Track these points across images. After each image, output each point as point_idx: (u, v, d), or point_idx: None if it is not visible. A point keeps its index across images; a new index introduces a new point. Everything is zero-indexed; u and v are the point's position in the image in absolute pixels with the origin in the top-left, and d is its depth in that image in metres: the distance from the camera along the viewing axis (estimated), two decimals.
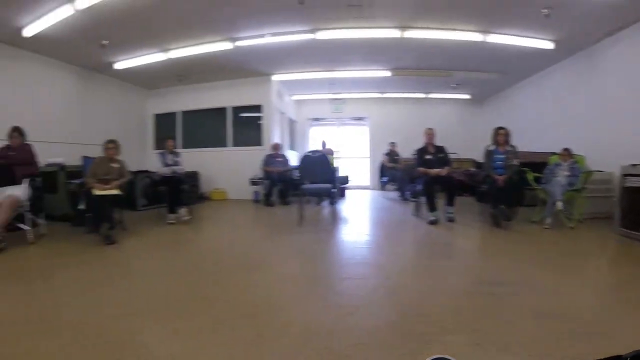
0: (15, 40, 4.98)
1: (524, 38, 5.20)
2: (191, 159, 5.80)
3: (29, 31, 4.70)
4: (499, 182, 4.11)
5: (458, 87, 8.05)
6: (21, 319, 1.85)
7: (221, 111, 8.10)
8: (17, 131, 3.91)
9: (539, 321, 1.66)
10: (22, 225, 3.72)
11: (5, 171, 3.65)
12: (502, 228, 3.97)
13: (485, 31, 5.05)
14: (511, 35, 5.14)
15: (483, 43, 5.27)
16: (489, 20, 4.70)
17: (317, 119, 10.47)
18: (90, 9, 4.11)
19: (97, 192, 3.74)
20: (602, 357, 1.21)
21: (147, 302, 2.06)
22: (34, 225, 3.81)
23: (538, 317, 1.70)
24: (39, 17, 4.38)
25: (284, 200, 6.83)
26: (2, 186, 3.57)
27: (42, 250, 3.49)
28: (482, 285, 2.13)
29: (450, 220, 4.39)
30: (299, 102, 10.13)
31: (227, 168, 7.93)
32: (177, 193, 4.92)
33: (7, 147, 3.84)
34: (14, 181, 3.63)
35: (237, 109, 8.07)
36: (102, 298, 2.12)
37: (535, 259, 2.89)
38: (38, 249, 3.53)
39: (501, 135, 4.36)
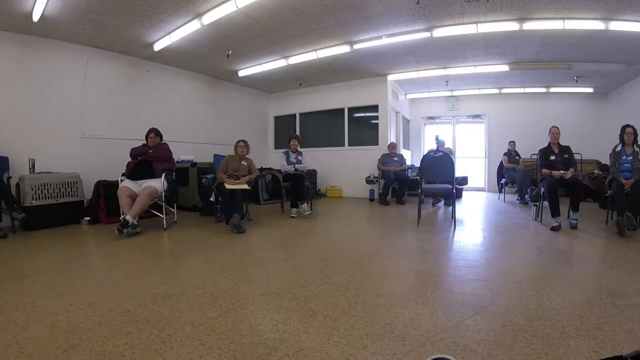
0: (150, 54, 5.81)
1: None
2: (308, 158, 6.11)
3: (158, 45, 5.40)
4: (626, 187, 3.70)
5: (580, 79, 7.31)
6: (176, 293, 2.20)
7: (338, 112, 8.40)
8: (153, 132, 4.46)
9: None
10: (157, 213, 4.36)
11: (146, 166, 4.26)
12: (627, 237, 3.54)
13: (606, 18, 4.54)
14: (635, 21, 4.55)
15: (605, 31, 4.74)
16: (611, 6, 4.24)
17: (431, 118, 10.24)
18: (215, 23, 4.55)
19: (228, 186, 4.20)
20: (603, 358, 1.11)
21: (281, 284, 2.28)
22: (167, 213, 4.40)
23: None
24: (168, 33, 5.01)
25: (400, 199, 6.86)
26: (143, 179, 4.21)
27: (175, 235, 4.03)
28: (604, 296, 2.03)
29: (573, 227, 4.03)
30: (413, 100, 10.00)
31: (343, 167, 8.22)
32: (299, 189, 5.25)
33: (145, 146, 4.41)
34: (154, 175, 4.23)
35: (353, 110, 8.28)
36: (238, 279, 2.41)
37: None
38: (171, 233, 4.08)
39: (628, 134, 3.90)
